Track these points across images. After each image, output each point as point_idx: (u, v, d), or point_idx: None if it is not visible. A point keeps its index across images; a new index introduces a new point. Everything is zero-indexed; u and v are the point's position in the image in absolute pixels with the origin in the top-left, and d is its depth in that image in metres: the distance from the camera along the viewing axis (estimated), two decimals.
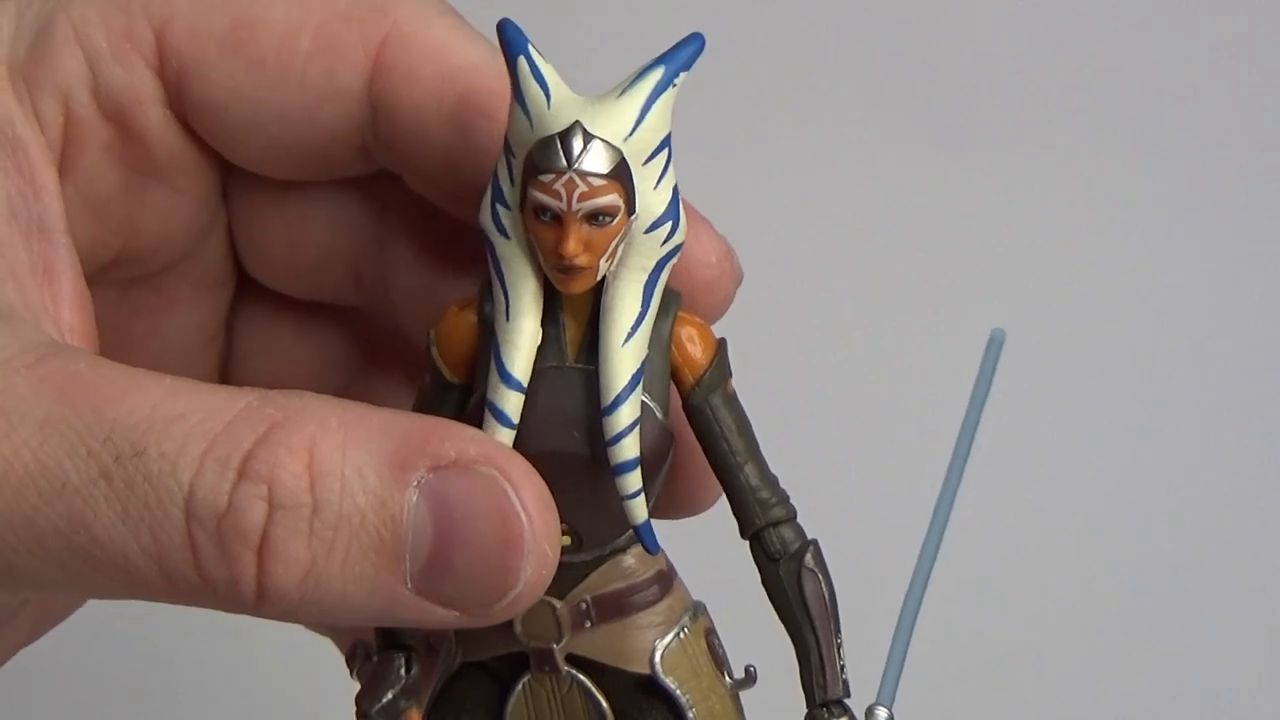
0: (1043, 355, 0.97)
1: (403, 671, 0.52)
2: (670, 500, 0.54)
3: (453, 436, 0.47)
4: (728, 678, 0.53)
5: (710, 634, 0.53)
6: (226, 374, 0.60)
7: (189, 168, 0.55)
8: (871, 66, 1.02)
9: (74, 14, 0.53)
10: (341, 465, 0.46)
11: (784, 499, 0.52)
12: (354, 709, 0.52)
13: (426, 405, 0.52)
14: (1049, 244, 1.00)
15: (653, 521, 0.50)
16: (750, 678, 0.53)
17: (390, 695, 0.52)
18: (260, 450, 0.46)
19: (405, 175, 0.55)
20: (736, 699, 0.53)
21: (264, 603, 0.46)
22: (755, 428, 0.53)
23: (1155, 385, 0.99)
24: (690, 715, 0.52)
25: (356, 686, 0.54)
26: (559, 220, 0.48)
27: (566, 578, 0.51)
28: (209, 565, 0.46)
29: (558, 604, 0.51)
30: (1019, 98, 1.02)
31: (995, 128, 1.02)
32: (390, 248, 0.57)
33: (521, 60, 0.48)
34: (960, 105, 1.02)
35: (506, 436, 0.49)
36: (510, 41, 0.49)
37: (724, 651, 0.53)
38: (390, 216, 0.57)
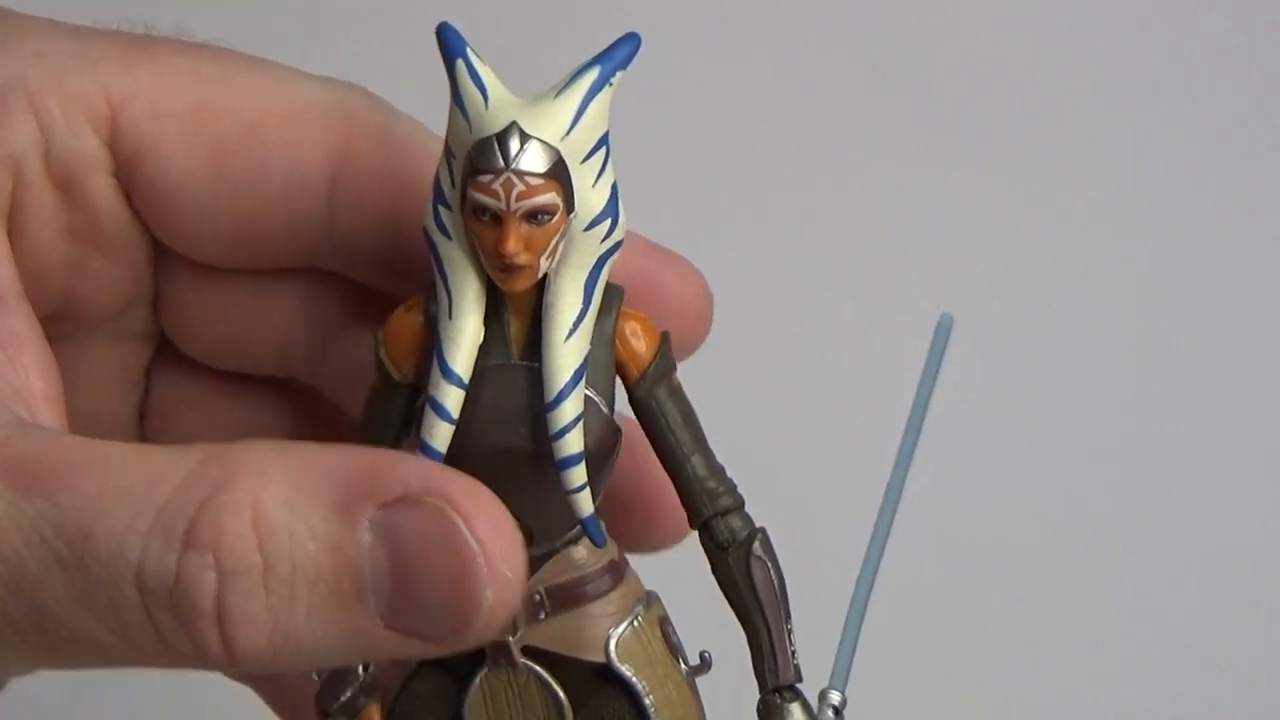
0: (1023, 351, 0.97)
1: (360, 669, 0.53)
2: (634, 535, 0.55)
3: (396, 470, 0.46)
4: (683, 664, 0.53)
5: (664, 622, 0.54)
6: (145, 425, 0.59)
7: (129, 239, 0.54)
8: (851, 51, 1.01)
9: (30, 83, 0.52)
10: (288, 518, 0.45)
11: (731, 488, 0.52)
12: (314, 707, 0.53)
13: (377, 407, 0.52)
14: (1022, 237, 1.01)
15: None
16: (705, 664, 0.53)
17: (349, 693, 0.53)
18: (203, 516, 0.45)
19: (353, 270, 0.55)
20: (693, 685, 0.54)
21: (237, 664, 0.45)
22: (708, 414, 0.53)
23: (1117, 378, 0.99)
24: (647, 702, 0.52)
25: None
26: (498, 220, 0.48)
27: None
28: (172, 638, 0.45)
29: None
30: (1002, 89, 1.02)
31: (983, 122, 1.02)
32: (321, 331, 0.56)
33: (459, 63, 0.49)
34: (944, 94, 1.02)
35: (446, 431, 0.50)
36: (449, 45, 0.49)
37: (679, 639, 0.54)
38: (322, 303, 0.56)
